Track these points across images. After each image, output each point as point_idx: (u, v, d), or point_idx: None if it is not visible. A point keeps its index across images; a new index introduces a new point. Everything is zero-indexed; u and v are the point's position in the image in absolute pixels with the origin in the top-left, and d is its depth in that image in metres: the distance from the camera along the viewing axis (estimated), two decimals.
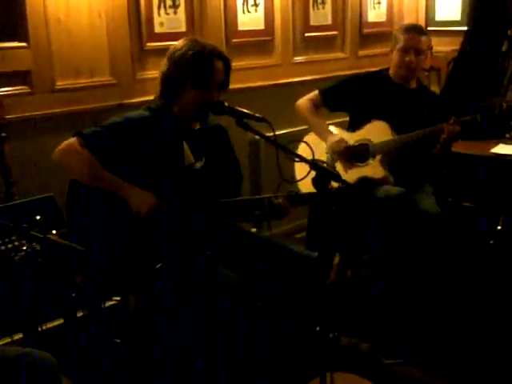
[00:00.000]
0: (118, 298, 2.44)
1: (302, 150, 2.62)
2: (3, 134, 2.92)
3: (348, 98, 3.25)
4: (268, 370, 2.39)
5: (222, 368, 2.29)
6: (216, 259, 2.37)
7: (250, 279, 2.38)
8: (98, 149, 2.33)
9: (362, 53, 4.95)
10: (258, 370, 2.33)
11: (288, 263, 2.46)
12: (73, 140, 2.36)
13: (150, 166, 2.39)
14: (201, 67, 2.37)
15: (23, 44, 3.10)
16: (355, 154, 3.13)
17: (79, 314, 2.40)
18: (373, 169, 3.08)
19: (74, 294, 1.97)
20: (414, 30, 3.14)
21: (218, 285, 2.26)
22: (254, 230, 3.02)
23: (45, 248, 2.20)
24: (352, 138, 3.17)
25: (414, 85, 3.25)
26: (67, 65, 3.25)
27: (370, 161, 3.10)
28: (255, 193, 3.97)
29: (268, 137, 2.29)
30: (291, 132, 3.78)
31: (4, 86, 3.00)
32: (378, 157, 3.09)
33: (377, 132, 3.11)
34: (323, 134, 3.20)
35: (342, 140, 3.13)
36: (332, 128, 3.26)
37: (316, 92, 3.31)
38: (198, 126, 2.55)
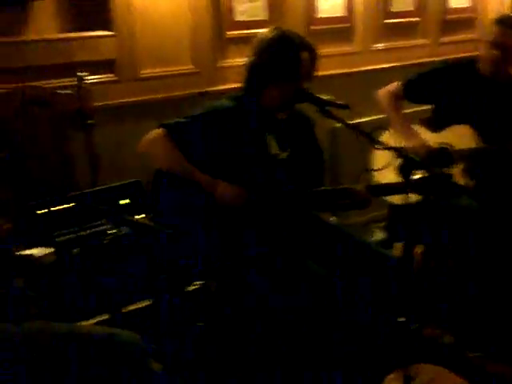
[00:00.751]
0: (200, 283, 2.47)
1: (384, 138, 2.58)
2: (91, 122, 3.01)
3: (431, 91, 3.10)
4: (350, 361, 2.37)
5: (304, 356, 2.29)
6: (304, 252, 2.37)
7: (332, 273, 2.36)
8: (182, 140, 2.34)
9: (443, 40, 4.82)
10: (340, 360, 2.33)
11: (369, 262, 2.42)
12: (158, 131, 2.35)
13: (235, 157, 2.39)
14: (290, 61, 2.34)
15: (109, 33, 3.19)
16: (436, 160, 2.96)
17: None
18: (453, 177, 2.93)
19: (163, 276, 2.01)
20: (506, 24, 2.92)
21: (306, 278, 2.26)
22: (333, 218, 2.99)
23: (133, 231, 2.27)
24: (433, 140, 3.01)
25: (504, 79, 3.03)
26: (151, 53, 3.33)
27: (452, 168, 2.91)
28: (334, 182, 3.95)
29: (351, 125, 2.26)
30: (372, 120, 3.73)
31: (92, 75, 3.08)
32: (461, 165, 2.92)
33: (461, 137, 2.95)
34: (404, 134, 3.04)
35: (422, 145, 2.96)
36: (414, 126, 3.09)
37: (398, 84, 3.16)
38: (282, 116, 2.52)
